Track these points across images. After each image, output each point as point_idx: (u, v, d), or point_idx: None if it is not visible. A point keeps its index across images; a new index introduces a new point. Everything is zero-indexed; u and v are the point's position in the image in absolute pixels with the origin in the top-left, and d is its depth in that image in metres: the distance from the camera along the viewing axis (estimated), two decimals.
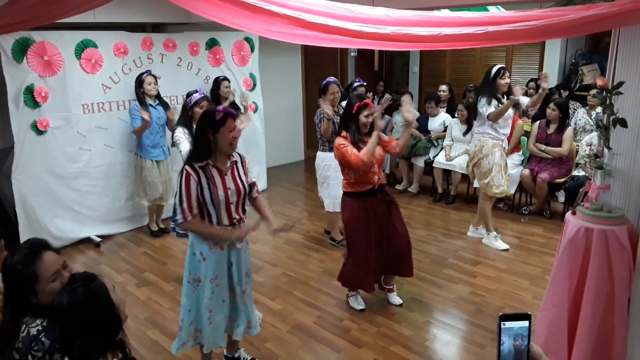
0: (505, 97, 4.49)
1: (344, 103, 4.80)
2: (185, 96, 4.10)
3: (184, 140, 3.82)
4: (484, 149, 4.56)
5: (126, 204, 5.28)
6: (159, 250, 4.91)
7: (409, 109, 3.33)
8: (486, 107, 4.44)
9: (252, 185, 2.88)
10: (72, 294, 1.64)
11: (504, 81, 4.43)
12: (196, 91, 4.02)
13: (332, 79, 4.70)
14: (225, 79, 5.58)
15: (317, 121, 4.67)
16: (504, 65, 4.56)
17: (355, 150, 3.36)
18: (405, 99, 3.50)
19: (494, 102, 4.43)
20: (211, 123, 2.59)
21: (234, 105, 5.42)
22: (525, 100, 4.53)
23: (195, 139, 2.70)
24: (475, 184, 4.82)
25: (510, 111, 4.52)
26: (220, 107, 2.69)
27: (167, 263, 4.62)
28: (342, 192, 3.63)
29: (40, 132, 4.59)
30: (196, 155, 2.64)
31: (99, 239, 5.03)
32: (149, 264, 4.59)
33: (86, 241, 5.02)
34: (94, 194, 5.04)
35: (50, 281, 1.81)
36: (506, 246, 4.71)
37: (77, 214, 4.94)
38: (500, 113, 4.41)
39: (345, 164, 3.45)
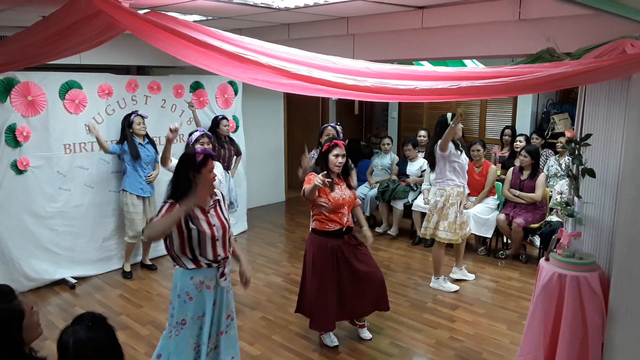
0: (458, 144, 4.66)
1: None
2: (188, 136, 4.26)
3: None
4: (450, 198, 4.63)
5: (103, 245, 5.21)
6: (135, 293, 4.82)
7: None
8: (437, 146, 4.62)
9: None
10: (82, 333, 1.61)
11: (460, 125, 4.62)
12: (196, 130, 4.22)
13: (332, 124, 4.69)
14: (224, 117, 5.71)
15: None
16: (454, 113, 4.70)
17: (307, 183, 3.39)
18: None
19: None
20: (192, 165, 2.62)
21: (230, 139, 5.75)
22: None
23: (177, 179, 2.70)
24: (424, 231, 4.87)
25: (466, 159, 4.68)
26: (199, 149, 2.74)
27: (143, 306, 4.53)
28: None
29: (19, 172, 4.56)
30: (178, 195, 2.61)
31: (74, 281, 4.92)
32: (124, 307, 4.50)
33: (61, 283, 4.91)
34: (71, 234, 4.97)
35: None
36: (457, 287, 4.79)
37: (54, 254, 4.85)
38: (446, 139, 4.45)
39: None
